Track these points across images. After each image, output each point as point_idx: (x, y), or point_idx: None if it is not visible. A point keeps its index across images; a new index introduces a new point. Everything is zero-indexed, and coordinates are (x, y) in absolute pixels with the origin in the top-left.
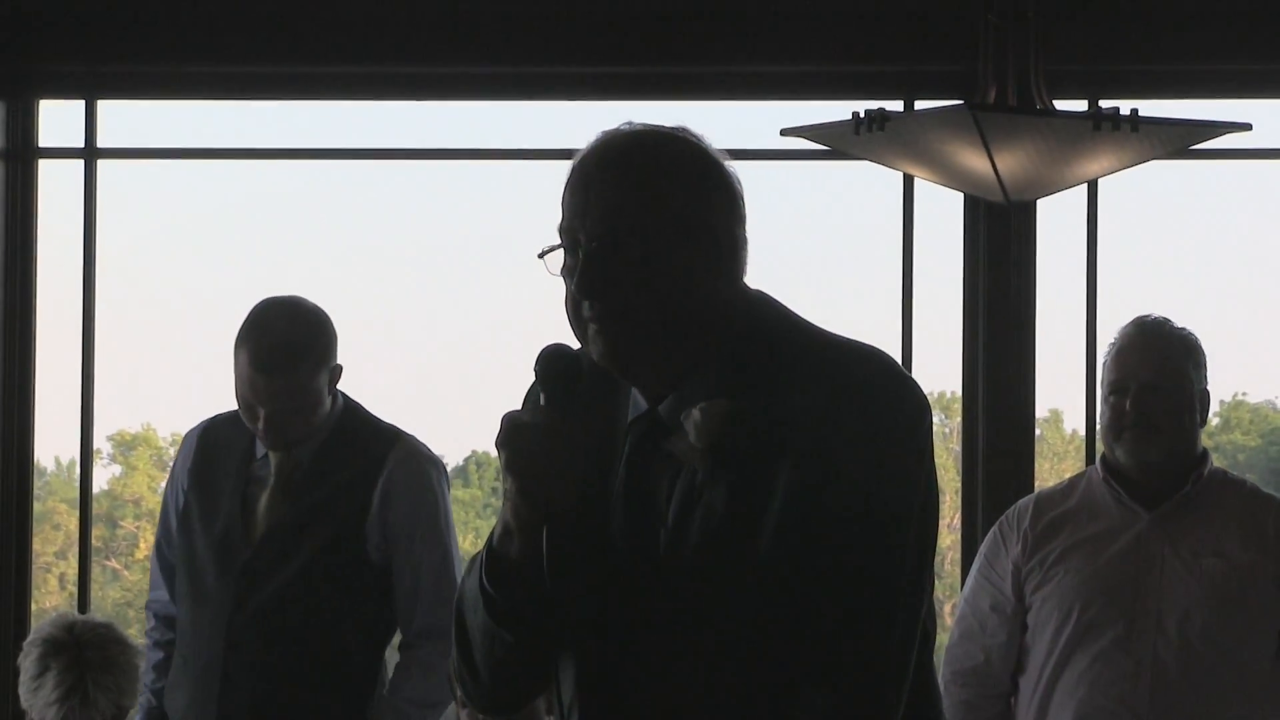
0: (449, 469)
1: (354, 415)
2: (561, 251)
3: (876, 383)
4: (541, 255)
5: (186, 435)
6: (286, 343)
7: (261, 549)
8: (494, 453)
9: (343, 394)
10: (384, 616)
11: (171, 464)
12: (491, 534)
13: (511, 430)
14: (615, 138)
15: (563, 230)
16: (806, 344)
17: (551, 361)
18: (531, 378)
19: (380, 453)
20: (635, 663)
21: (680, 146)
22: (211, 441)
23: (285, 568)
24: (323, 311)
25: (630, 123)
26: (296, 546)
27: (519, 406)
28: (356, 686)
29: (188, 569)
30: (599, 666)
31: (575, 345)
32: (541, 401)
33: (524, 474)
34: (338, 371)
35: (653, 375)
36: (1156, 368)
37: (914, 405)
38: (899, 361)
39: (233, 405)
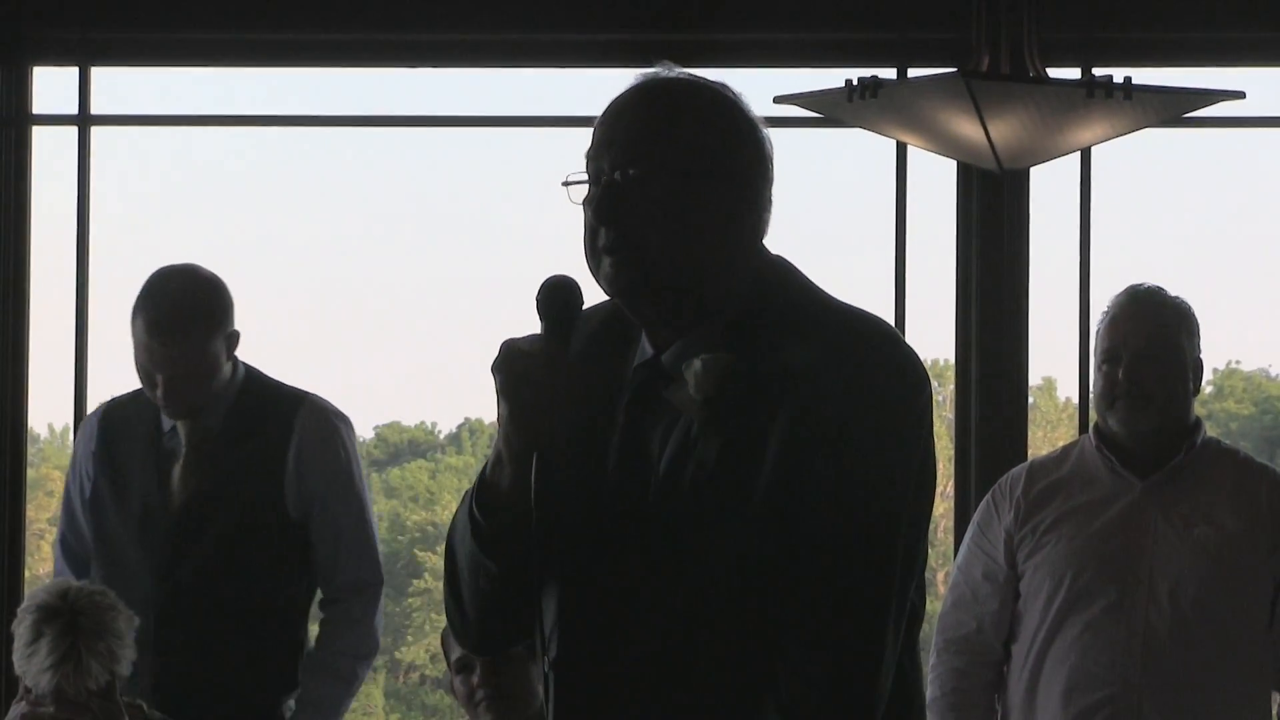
0: (442, 436)
1: (257, 380)
2: (585, 184)
3: (877, 348)
4: (565, 184)
5: (84, 421)
6: (181, 308)
7: (182, 519)
8: (487, 420)
9: (243, 362)
10: (306, 574)
11: (73, 453)
12: (485, 463)
13: (508, 356)
14: (653, 79)
15: (588, 160)
16: (814, 307)
17: (552, 292)
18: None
19: (288, 413)
20: (618, 604)
21: (717, 97)
22: (113, 422)
23: (208, 535)
24: (218, 278)
25: (670, 66)
26: (217, 513)
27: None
28: (287, 646)
29: (105, 551)
30: (580, 605)
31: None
32: (541, 330)
33: (517, 400)
34: (235, 338)
35: (660, 312)
36: (1149, 336)
37: (914, 373)
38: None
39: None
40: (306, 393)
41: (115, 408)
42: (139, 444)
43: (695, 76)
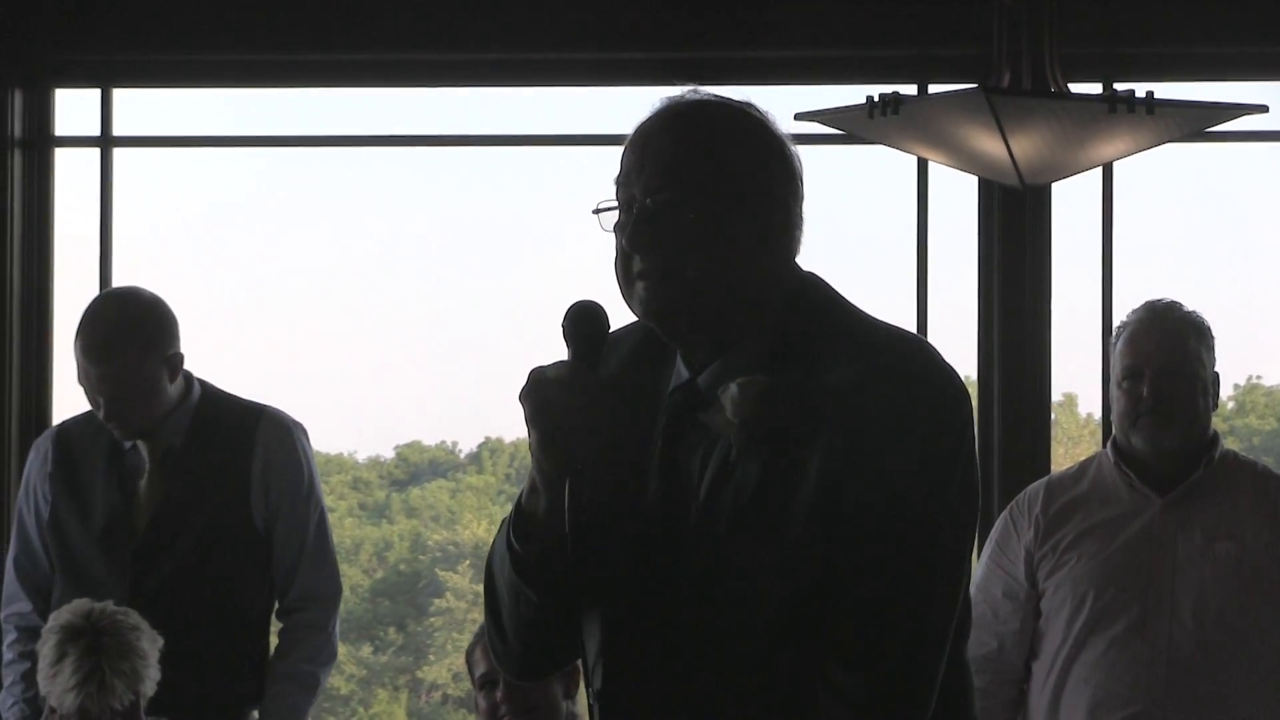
0: (462, 455)
1: (214, 396)
2: (615, 210)
3: (915, 365)
4: (596, 211)
5: (36, 445)
6: (114, 332)
7: (150, 533)
8: (507, 439)
9: (199, 380)
10: (267, 584)
11: (24, 478)
12: (521, 491)
13: (535, 383)
14: (679, 102)
15: (618, 187)
16: (850, 326)
17: (578, 317)
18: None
19: (249, 425)
20: (661, 631)
21: (743, 117)
22: (69, 443)
23: (176, 548)
24: (157, 301)
25: (695, 90)
26: (184, 526)
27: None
28: (251, 656)
29: (69, 569)
30: (623, 633)
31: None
32: (567, 356)
33: (547, 427)
34: (177, 359)
35: (695, 336)
36: (1171, 353)
37: (953, 389)
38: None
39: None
40: (265, 405)
41: (70, 428)
42: (99, 462)
43: (722, 98)
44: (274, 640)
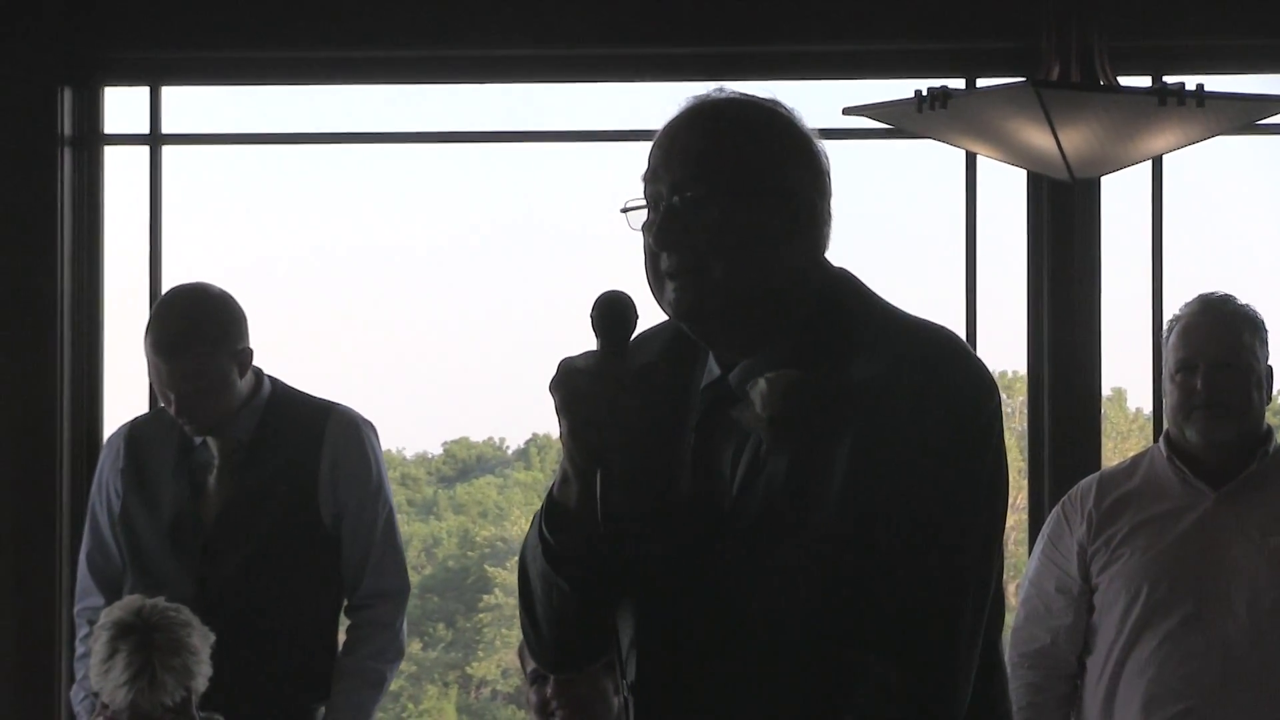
0: (510, 451)
1: (284, 393)
2: (644, 209)
3: (944, 359)
4: (624, 210)
5: (109, 440)
6: (182, 327)
7: (218, 529)
8: (555, 435)
9: (269, 376)
10: (335, 581)
11: (97, 474)
12: (552, 482)
13: (565, 373)
14: (705, 101)
15: (646, 185)
16: (878, 320)
17: (607, 307)
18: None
19: (318, 422)
20: (694, 624)
21: (770, 114)
22: (138, 440)
23: (245, 544)
24: (225, 296)
25: (721, 88)
26: (253, 522)
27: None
28: (319, 653)
29: (138, 564)
30: (657, 624)
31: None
32: (596, 346)
33: (577, 417)
34: (247, 354)
35: (725, 334)
36: (1226, 346)
37: (981, 382)
38: (964, 340)
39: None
40: (334, 403)
41: (140, 425)
42: (168, 458)
43: (747, 95)
44: (343, 637)
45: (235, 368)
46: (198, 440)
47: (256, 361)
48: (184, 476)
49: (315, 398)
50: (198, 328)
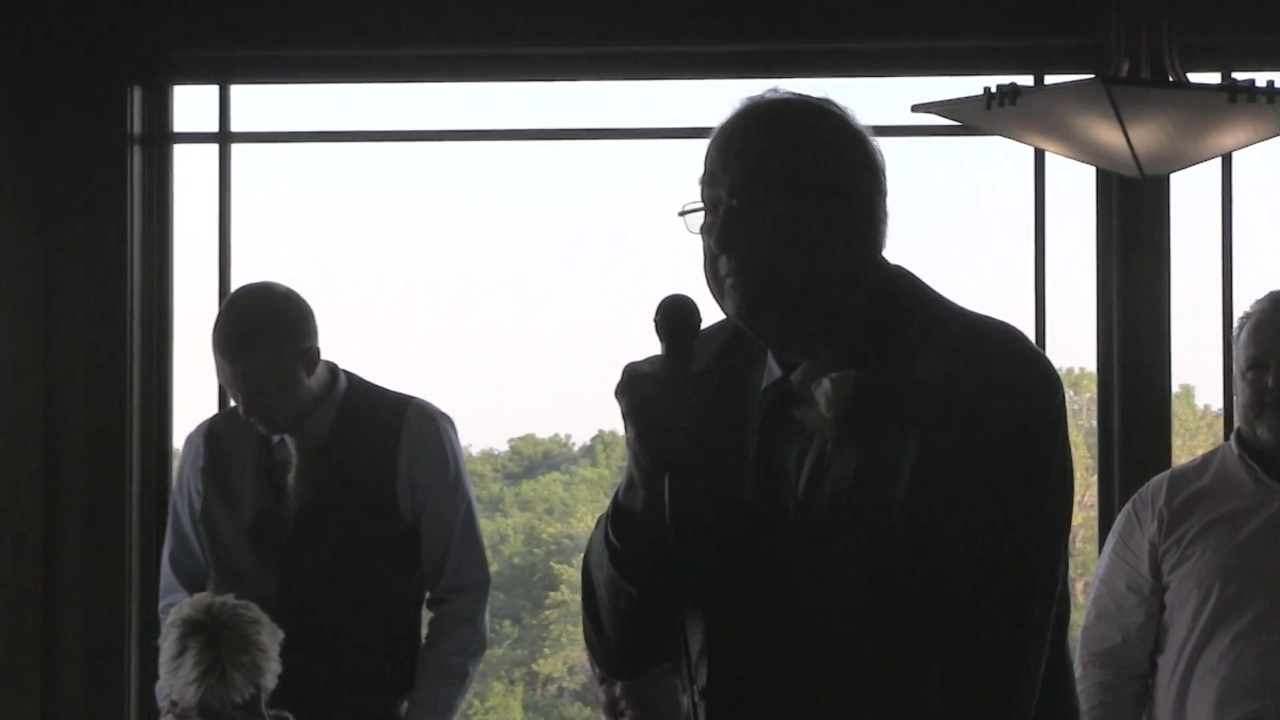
0: (576, 448)
1: (361, 388)
2: (701, 212)
3: (1007, 357)
4: (682, 213)
5: (188, 439)
6: (244, 328)
7: (298, 527)
8: (620, 431)
9: (346, 372)
10: (418, 575)
11: (177, 473)
12: (618, 487)
13: (630, 379)
14: (760, 102)
15: (703, 188)
16: (940, 318)
17: (670, 311)
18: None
19: (396, 417)
20: (762, 627)
21: (825, 114)
22: (219, 438)
23: (325, 541)
24: (292, 296)
25: (775, 89)
26: (334, 519)
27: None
28: (401, 648)
29: (220, 563)
30: (726, 627)
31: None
32: (661, 351)
33: (643, 421)
34: (312, 353)
35: (786, 336)
36: None
37: (1045, 381)
38: (1032, 338)
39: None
40: (411, 396)
41: (219, 423)
42: (248, 456)
43: (802, 95)
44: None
45: (301, 367)
46: (275, 439)
47: (328, 358)
48: (263, 475)
49: (392, 392)
50: (260, 328)
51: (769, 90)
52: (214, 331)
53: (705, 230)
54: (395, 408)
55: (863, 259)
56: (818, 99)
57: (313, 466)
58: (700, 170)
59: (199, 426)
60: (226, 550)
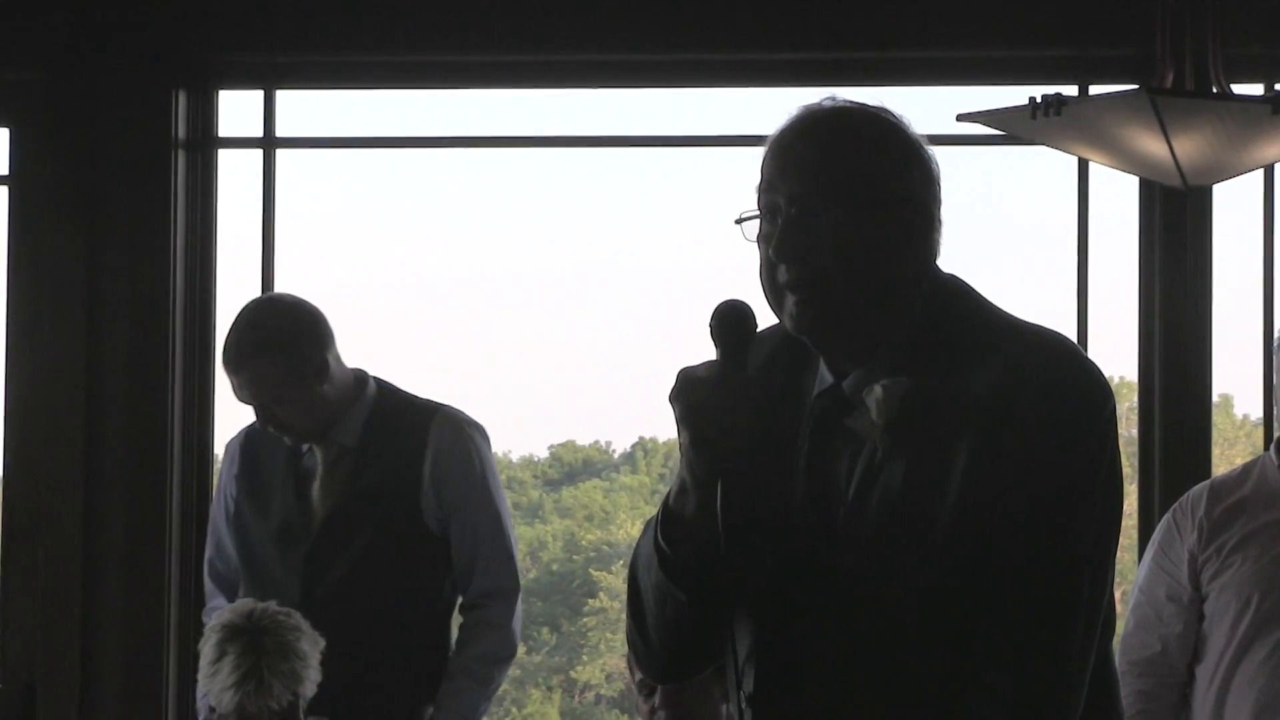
0: (616, 455)
1: (390, 395)
2: (758, 220)
3: (1059, 366)
4: (739, 221)
5: (227, 447)
6: (244, 340)
7: (323, 534)
8: (661, 438)
9: (375, 378)
10: (446, 583)
11: (217, 480)
12: (668, 492)
13: (685, 384)
14: (818, 110)
15: (761, 195)
16: (993, 327)
17: (726, 317)
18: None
19: (422, 425)
20: (810, 632)
21: (882, 122)
22: (254, 445)
23: (349, 549)
24: (298, 306)
25: (833, 98)
26: (357, 527)
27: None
28: (428, 655)
29: (251, 568)
30: (774, 633)
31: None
32: (716, 356)
33: (697, 427)
34: (320, 361)
35: (844, 345)
36: None
37: (1097, 390)
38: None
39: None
40: (440, 404)
41: (254, 432)
42: (279, 463)
43: (858, 104)
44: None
45: (310, 375)
46: (304, 447)
47: (367, 365)
48: (290, 483)
49: (422, 400)
50: (260, 339)
51: (826, 99)
52: (224, 345)
53: (764, 239)
54: (423, 416)
55: (920, 267)
56: (875, 108)
57: (338, 474)
58: (757, 178)
59: (238, 434)
60: (255, 555)
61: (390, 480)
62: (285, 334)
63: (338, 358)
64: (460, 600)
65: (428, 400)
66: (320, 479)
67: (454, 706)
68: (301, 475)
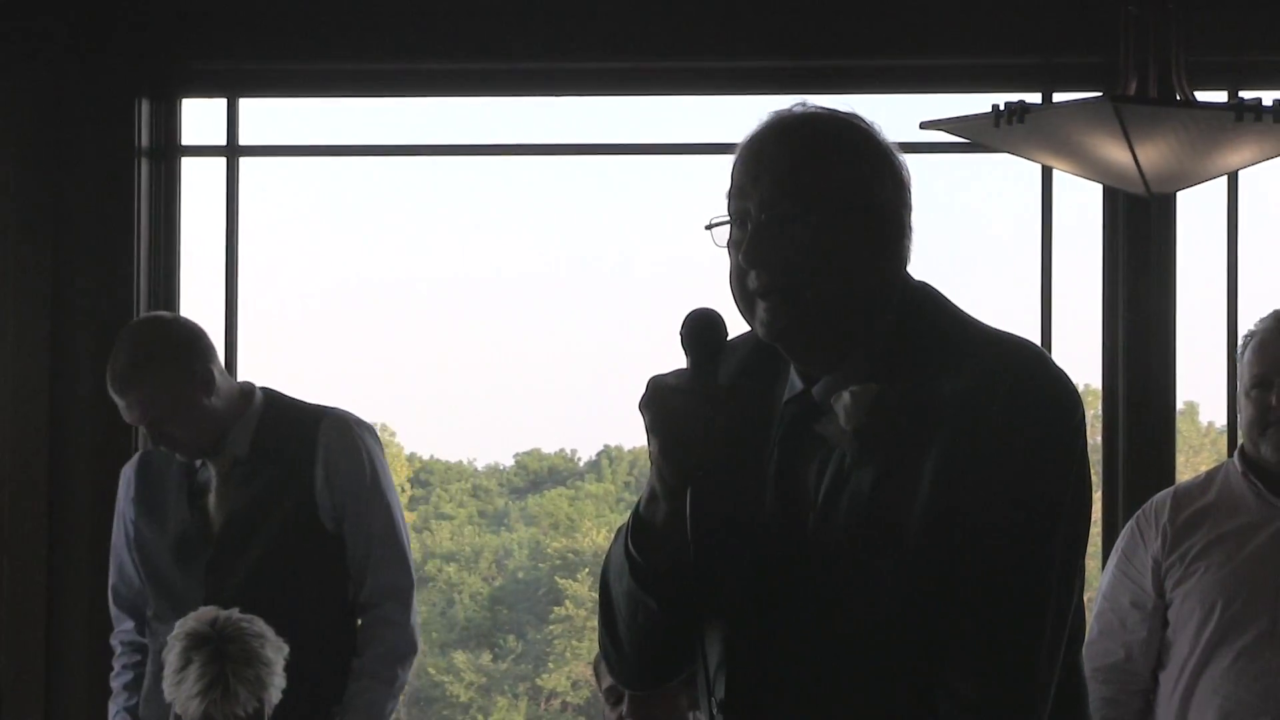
0: (581, 463)
1: (277, 403)
2: (728, 226)
3: (1027, 374)
4: (709, 227)
5: (122, 473)
6: (127, 359)
7: (221, 543)
8: (626, 446)
9: (262, 388)
10: (350, 584)
11: (116, 505)
12: (639, 500)
13: (655, 392)
14: (788, 116)
15: (731, 201)
16: (963, 334)
17: (696, 325)
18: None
19: (311, 428)
20: (781, 638)
21: (853, 128)
22: (149, 467)
23: (248, 555)
24: (176, 322)
25: (803, 103)
26: (255, 533)
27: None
28: (333, 656)
29: (156, 586)
30: (745, 640)
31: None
32: (686, 365)
33: (667, 435)
34: (205, 374)
35: (813, 351)
36: None
37: (1066, 397)
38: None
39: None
40: (329, 407)
41: (150, 453)
42: (172, 480)
43: (829, 109)
44: None
45: (195, 388)
46: (198, 463)
47: (328, 372)
48: (183, 498)
49: (309, 405)
50: (142, 358)
51: (797, 104)
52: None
53: (733, 245)
54: (311, 419)
55: (890, 274)
56: (845, 114)
57: (232, 485)
58: (727, 184)
59: (131, 460)
60: (158, 572)
61: (284, 484)
62: (170, 349)
63: (222, 371)
64: (357, 601)
65: (316, 404)
66: (215, 490)
67: (360, 707)
68: (196, 490)
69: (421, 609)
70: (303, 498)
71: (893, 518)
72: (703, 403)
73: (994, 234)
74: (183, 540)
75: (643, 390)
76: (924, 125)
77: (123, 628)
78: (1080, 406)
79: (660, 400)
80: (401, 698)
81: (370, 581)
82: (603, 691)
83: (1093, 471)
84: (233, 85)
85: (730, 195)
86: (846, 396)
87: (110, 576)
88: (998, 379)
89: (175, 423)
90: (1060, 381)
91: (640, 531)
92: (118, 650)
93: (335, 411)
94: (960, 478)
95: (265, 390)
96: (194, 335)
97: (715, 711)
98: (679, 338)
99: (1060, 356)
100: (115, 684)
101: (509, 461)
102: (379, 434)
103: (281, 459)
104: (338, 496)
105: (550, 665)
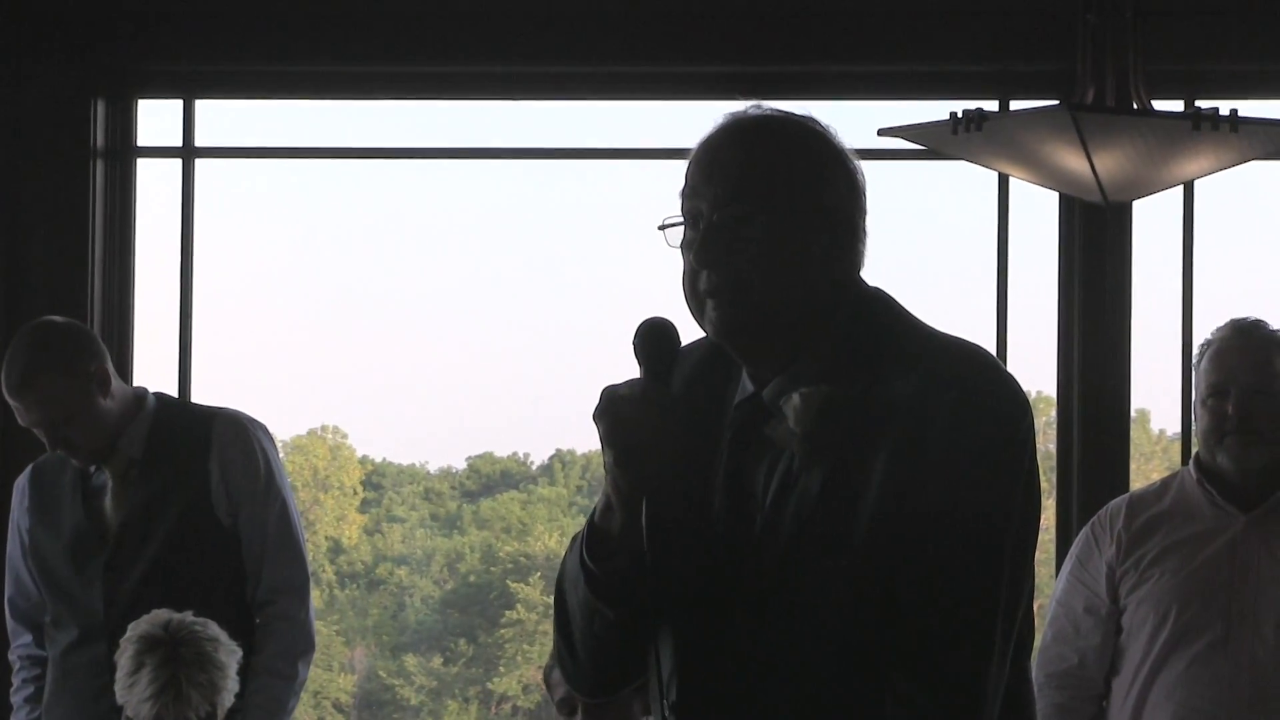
0: (534, 467)
1: (170, 405)
2: (681, 226)
3: (978, 378)
4: (662, 227)
5: (15, 484)
6: (26, 362)
7: (117, 546)
8: (579, 450)
9: (154, 392)
10: (245, 580)
11: (10, 517)
12: (593, 510)
13: (609, 402)
14: (743, 118)
15: (684, 202)
16: (913, 338)
17: (649, 335)
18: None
19: (205, 426)
20: (732, 642)
21: (809, 131)
22: (42, 475)
23: (145, 553)
24: (71, 325)
25: (759, 105)
26: (150, 533)
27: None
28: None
29: (53, 590)
30: (697, 644)
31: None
32: (639, 374)
33: (622, 445)
34: (101, 374)
35: (764, 352)
36: (1258, 371)
37: (1014, 403)
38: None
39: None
40: (221, 407)
41: (43, 463)
42: (66, 484)
43: (784, 112)
44: None
45: (93, 388)
46: (93, 467)
47: (276, 376)
48: (78, 501)
49: (201, 406)
50: (40, 359)
51: (752, 106)
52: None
53: (686, 245)
54: (204, 418)
55: (843, 277)
56: (801, 116)
57: (127, 486)
58: (681, 184)
59: (25, 471)
60: (55, 578)
61: (179, 483)
62: (68, 350)
63: (115, 374)
64: (253, 597)
65: (206, 405)
66: (111, 492)
67: (261, 704)
68: (91, 493)
69: (372, 612)
70: (198, 496)
71: (840, 520)
72: (656, 412)
73: (951, 241)
74: (78, 542)
75: (596, 397)
76: (881, 132)
77: (20, 641)
78: (1029, 413)
79: (614, 410)
80: (347, 699)
81: (266, 578)
82: (555, 702)
83: (1046, 479)
84: (189, 86)
85: (684, 195)
86: (796, 399)
87: (6, 589)
88: (946, 383)
89: (74, 424)
90: (1009, 386)
91: (595, 541)
92: (16, 665)
93: (228, 412)
94: (907, 481)
95: (157, 394)
96: (88, 337)
97: (668, 714)
98: (632, 347)
99: (1015, 363)
100: (15, 699)
101: (461, 465)
102: (333, 435)
103: (176, 459)
104: (232, 494)
105: (501, 669)
